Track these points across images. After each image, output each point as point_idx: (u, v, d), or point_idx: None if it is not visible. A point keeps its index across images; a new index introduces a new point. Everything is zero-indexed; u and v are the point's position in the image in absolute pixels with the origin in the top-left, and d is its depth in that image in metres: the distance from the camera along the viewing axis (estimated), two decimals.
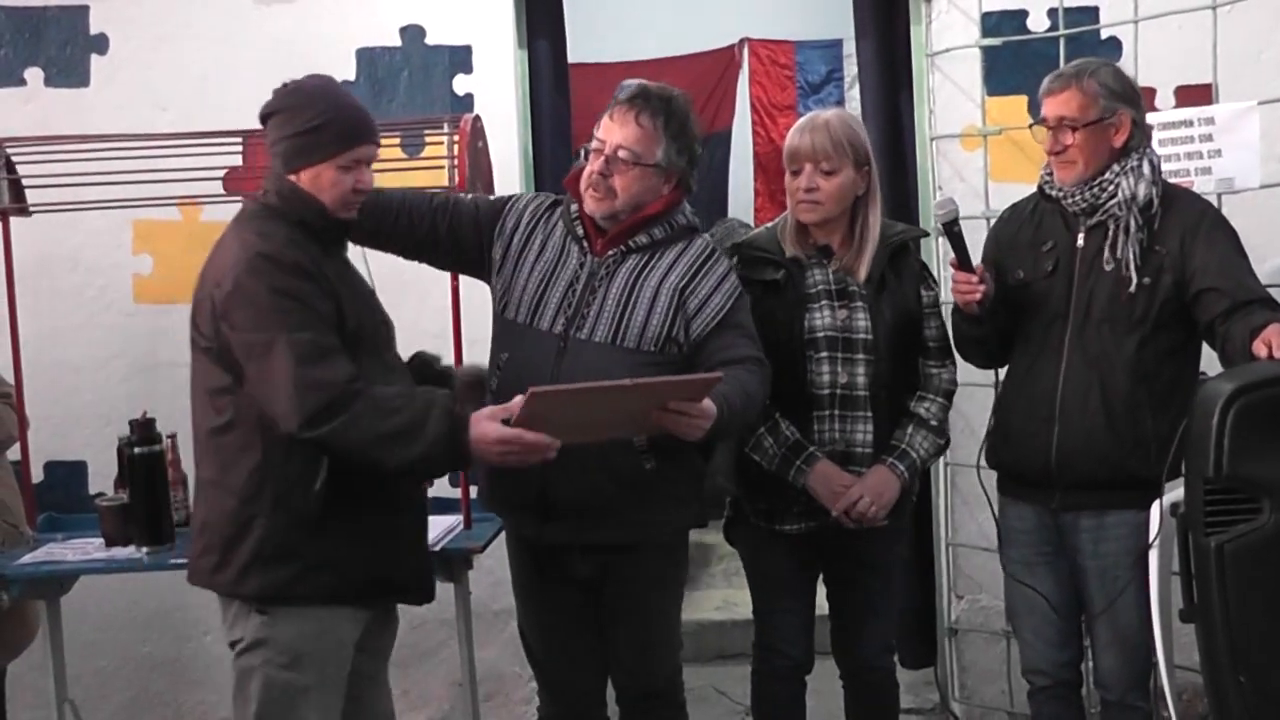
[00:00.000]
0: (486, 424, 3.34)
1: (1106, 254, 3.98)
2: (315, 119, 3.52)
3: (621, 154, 3.81)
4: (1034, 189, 4.24)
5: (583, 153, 3.90)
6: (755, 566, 4.36)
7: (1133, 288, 3.94)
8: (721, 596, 6.63)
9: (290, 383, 3.32)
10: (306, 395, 3.31)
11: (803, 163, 4.07)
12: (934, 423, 4.18)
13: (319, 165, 3.53)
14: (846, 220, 4.14)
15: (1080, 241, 4.04)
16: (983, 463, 4.32)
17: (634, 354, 3.81)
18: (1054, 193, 4.10)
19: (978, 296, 3.99)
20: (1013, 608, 4.36)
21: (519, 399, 3.33)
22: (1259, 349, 3.58)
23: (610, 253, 3.89)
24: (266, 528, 3.47)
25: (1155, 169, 4.00)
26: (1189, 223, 3.96)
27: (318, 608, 3.52)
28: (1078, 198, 4.02)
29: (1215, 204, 4.32)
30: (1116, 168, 3.98)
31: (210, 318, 3.47)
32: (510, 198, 4.08)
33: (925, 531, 5.57)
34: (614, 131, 3.82)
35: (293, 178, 3.55)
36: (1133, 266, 3.94)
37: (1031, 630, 4.23)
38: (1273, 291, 3.96)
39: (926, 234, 4.50)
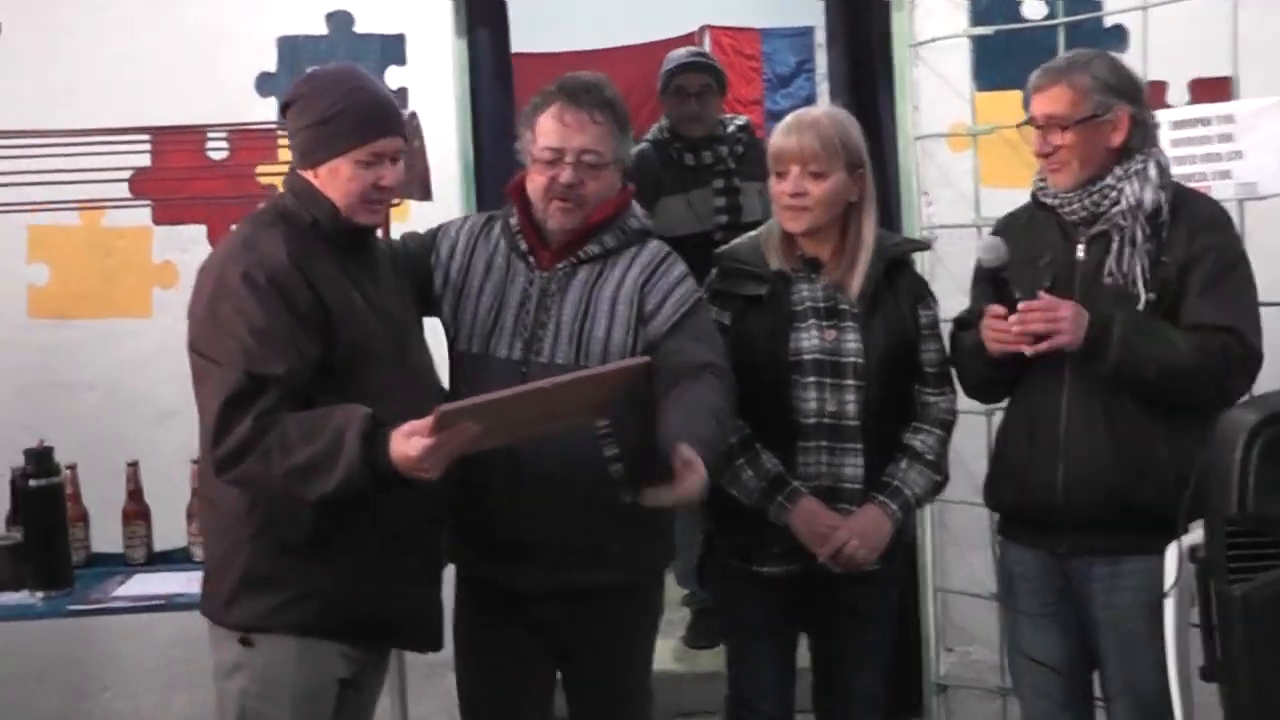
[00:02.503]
0: (403, 443, 3.22)
1: (1109, 267, 3.90)
2: (331, 108, 3.53)
3: (589, 158, 3.80)
4: (1029, 194, 4.16)
5: (530, 161, 3.85)
6: (730, 611, 4.28)
7: (1140, 305, 3.84)
8: (682, 645, 6.52)
9: (213, 422, 3.35)
10: (220, 436, 3.33)
11: (789, 164, 3.99)
12: (930, 457, 4.08)
13: (336, 159, 3.54)
14: (838, 230, 4.05)
15: (1080, 254, 3.97)
16: (977, 499, 4.26)
17: None
18: (1049, 200, 4.02)
19: (1020, 347, 3.85)
20: (1013, 662, 4.27)
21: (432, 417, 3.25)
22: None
23: (560, 266, 3.87)
24: (253, 553, 3.51)
25: (1163, 171, 3.92)
26: (1195, 229, 3.89)
27: (299, 638, 3.53)
28: (1075, 206, 3.94)
29: (1236, 212, 4.28)
30: (1119, 171, 3.89)
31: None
32: (439, 227, 4.06)
33: (911, 575, 5.45)
34: (572, 135, 3.79)
35: (309, 174, 3.58)
36: (1140, 281, 3.85)
37: (1033, 687, 4.14)
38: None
39: (927, 246, 4.41)
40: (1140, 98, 3.98)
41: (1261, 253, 4.32)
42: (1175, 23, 4.99)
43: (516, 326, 3.83)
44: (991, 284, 3.88)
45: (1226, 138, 4.50)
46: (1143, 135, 3.93)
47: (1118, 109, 3.89)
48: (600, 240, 3.88)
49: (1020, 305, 3.80)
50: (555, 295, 3.84)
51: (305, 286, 3.45)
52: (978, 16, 5.38)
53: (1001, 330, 3.84)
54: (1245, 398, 3.73)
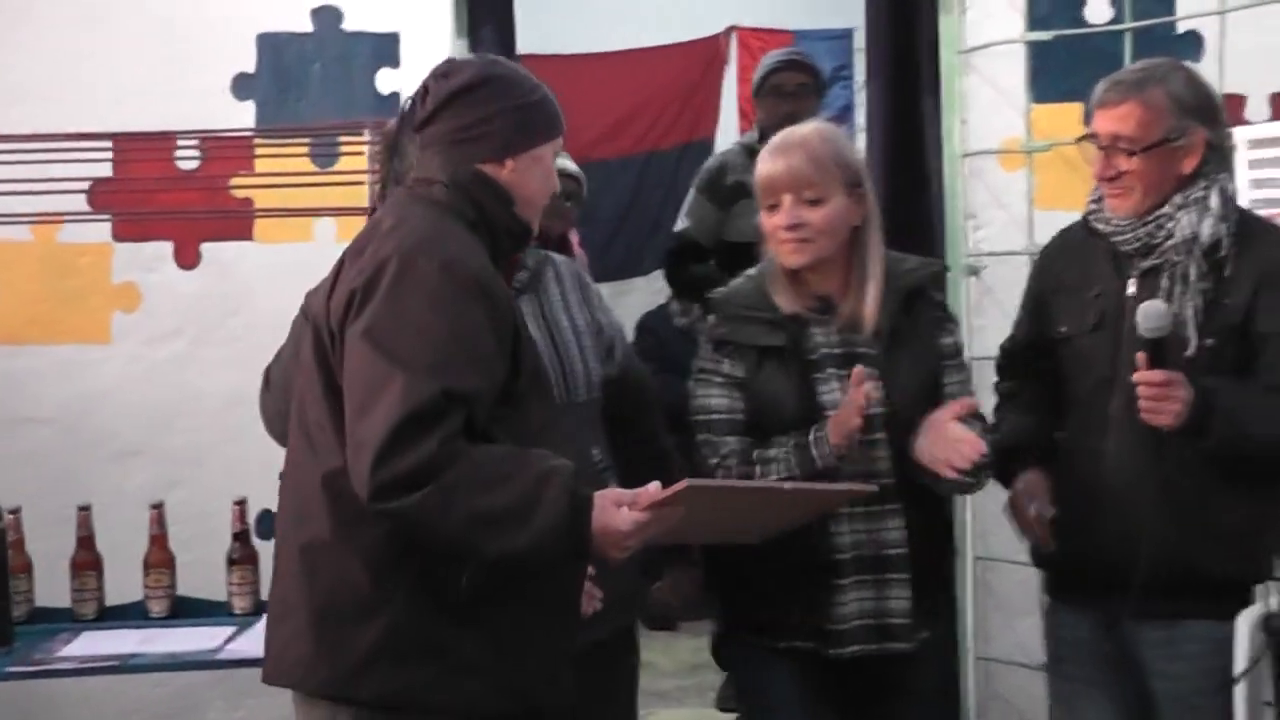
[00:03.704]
0: (612, 513, 3.09)
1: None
2: (534, 91, 3.44)
3: None
4: (1082, 215, 4.12)
5: None
6: (752, 697, 4.11)
7: (1192, 350, 3.74)
8: (696, 716, 6.46)
9: (383, 436, 2.99)
10: (392, 454, 2.98)
11: (780, 194, 3.86)
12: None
13: (542, 146, 3.43)
14: (843, 260, 3.93)
15: (1131, 288, 3.88)
16: (1025, 558, 4.22)
17: (586, 407, 3.91)
18: (1102, 227, 3.94)
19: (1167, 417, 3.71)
20: None
21: (654, 486, 3.16)
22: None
23: None
24: (401, 612, 3.15)
25: (1227, 200, 3.82)
26: (1267, 271, 3.80)
27: None
28: (1129, 236, 3.86)
29: None
30: (1179, 199, 3.79)
31: (342, 317, 3.23)
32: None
33: (949, 643, 5.36)
34: None
35: (493, 166, 3.37)
36: (1192, 325, 3.75)
37: None
38: None
39: (947, 268, 4.28)
40: (1219, 118, 3.91)
41: None
42: (1256, 29, 4.99)
43: None
44: (1147, 350, 3.70)
45: None
46: (1218, 160, 3.85)
47: (1193, 132, 3.80)
48: (524, 264, 3.94)
49: (1136, 378, 3.68)
50: None
51: (505, 295, 3.26)
52: (1035, 21, 5.35)
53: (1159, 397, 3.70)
54: None
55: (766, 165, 3.90)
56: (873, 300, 3.88)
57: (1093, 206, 3.99)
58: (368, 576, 3.16)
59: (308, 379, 3.30)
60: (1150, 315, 3.64)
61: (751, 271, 4.08)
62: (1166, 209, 3.79)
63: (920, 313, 3.99)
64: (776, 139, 3.96)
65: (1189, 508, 3.77)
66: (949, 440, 3.72)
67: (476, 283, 3.16)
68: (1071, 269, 4.04)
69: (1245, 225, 3.84)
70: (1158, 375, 3.64)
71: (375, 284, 3.12)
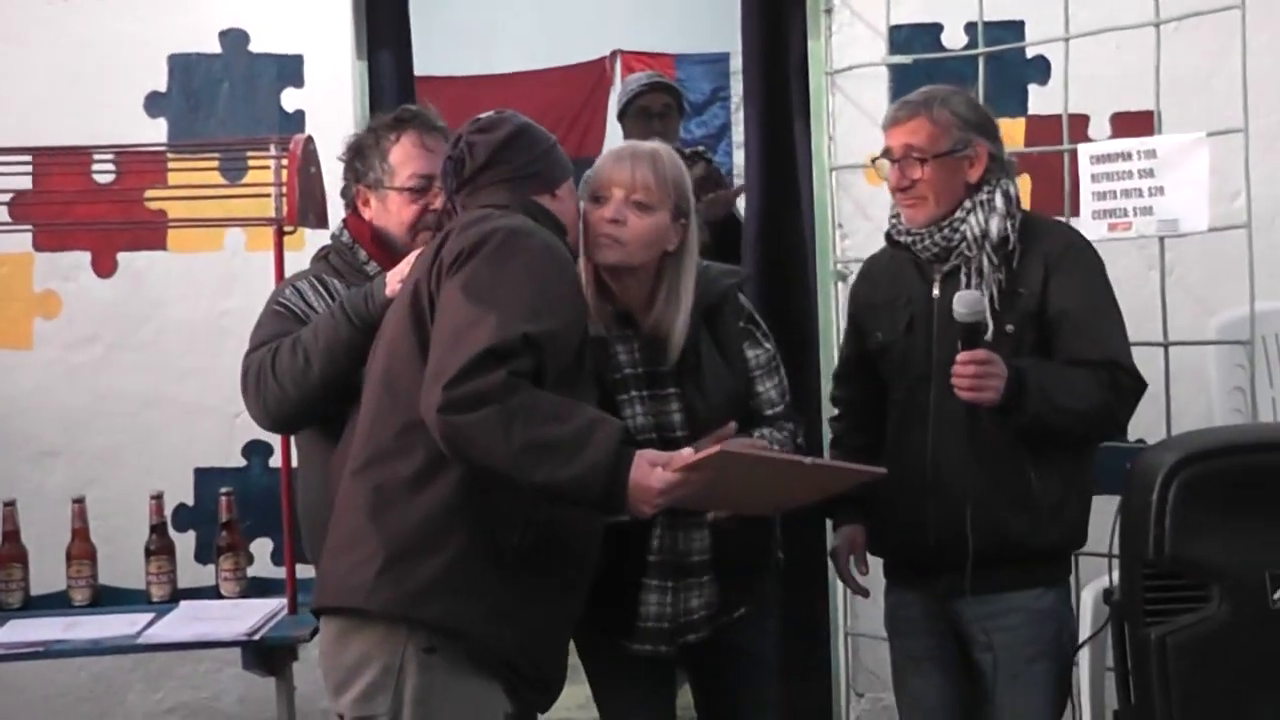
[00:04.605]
0: (647, 470, 3.21)
1: None
2: (550, 136, 3.73)
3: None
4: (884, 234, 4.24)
5: (384, 194, 4.01)
6: (592, 664, 4.11)
7: (989, 334, 3.84)
8: (584, 693, 6.50)
9: (463, 362, 3.17)
10: (468, 376, 3.16)
11: (612, 189, 3.77)
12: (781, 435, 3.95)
13: (569, 179, 3.72)
14: (649, 279, 3.84)
15: (936, 291, 4.02)
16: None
17: None
18: (903, 239, 4.07)
19: (990, 393, 3.78)
20: (900, 708, 4.32)
21: (687, 451, 3.30)
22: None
23: None
24: (458, 554, 3.33)
25: (1010, 200, 3.97)
26: (1051, 258, 3.95)
27: (484, 679, 3.39)
28: (927, 242, 3.99)
29: (1157, 249, 4.37)
30: (967, 204, 3.96)
31: (440, 278, 3.41)
32: (280, 305, 4.03)
33: (821, 620, 5.52)
34: (439, 160, 3.80)
35: (540, 200, 3.64)
36: (989, 311, 3.85)
37: None
38: (1225, 349, 3.95)
39: (748, 276, 4.26)
40: (997, 134, 4.06)
41: (1183, 289, 4.39)
42: (1098, 55, 5.01)
43: None
44: (965, 336, 3.79)
45: (1148, 173, 4.51)
46: (999, 172, 4.00)
47: (976, 144, 3.97)
48: None
49: (958, 358, 3.77)
50: None
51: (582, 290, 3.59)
52: (897, 45, 5.40)
53: (972, 377, 3.79)
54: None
55: (609, 163, 3.83)
56: (680, 326, 3.80)
57: (893, 221, 4.11)
58: (434, 519, 3.33)
59: (397, 338, 3.46)
60: (967, 302, 3.75)
61: None
62: (958, 214, 3.93)
63: (726, 325, 3.96)
64: (626, 144, 3.97)
65: (1002, 487, 3.89)
66: None
67: (568, 266, 3.48)
68: (881, 285, 4.17)
69: (1029, 223, 3.99)
70: (981, 354, 3.72)
71: (480, 247, 3.33)
